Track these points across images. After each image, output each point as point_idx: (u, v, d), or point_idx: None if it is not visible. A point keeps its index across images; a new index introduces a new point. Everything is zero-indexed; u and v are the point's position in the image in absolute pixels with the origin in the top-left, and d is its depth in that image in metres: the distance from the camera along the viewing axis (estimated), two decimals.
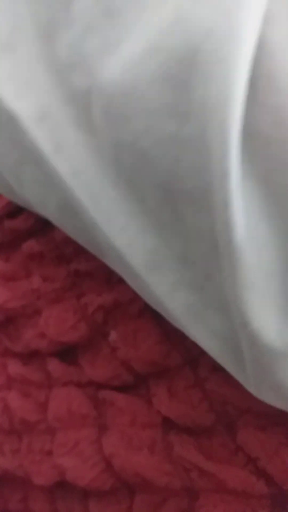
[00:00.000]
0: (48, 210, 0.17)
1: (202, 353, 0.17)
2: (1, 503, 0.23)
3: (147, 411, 0.18)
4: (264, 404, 0.15)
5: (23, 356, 0.23)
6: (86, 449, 0.18)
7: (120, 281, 0.19)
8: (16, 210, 0.21)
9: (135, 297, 0.19)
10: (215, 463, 0.16)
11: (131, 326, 0.19)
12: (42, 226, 0.21)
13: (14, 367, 0.22)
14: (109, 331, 0.19)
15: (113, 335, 0.19)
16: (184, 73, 0.12)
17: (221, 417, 0.17)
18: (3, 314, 0.22)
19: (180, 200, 0.13)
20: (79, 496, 0.19)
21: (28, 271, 0.22)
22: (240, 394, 0.16)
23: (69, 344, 0.20)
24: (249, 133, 0.12)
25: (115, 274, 0.18)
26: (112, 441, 0.18)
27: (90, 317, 0.19)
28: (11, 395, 0.21)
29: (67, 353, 0.21)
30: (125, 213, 0.14)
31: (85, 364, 0.20)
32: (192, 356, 0.18)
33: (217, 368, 0.17)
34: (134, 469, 0.17)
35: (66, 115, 0.14)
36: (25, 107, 0.14)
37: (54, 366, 0.21)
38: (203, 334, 0.15)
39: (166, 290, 0.14)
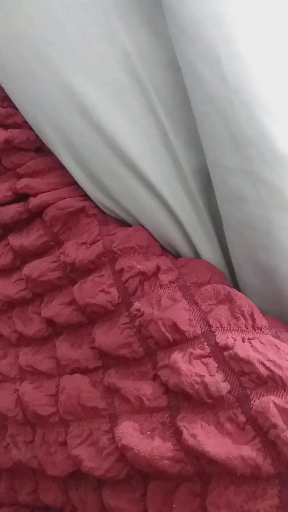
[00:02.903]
0: None
1: (220, 327, 0.19)
2: (11, 495, 0.24)
3: (152, 395, 0.19)
4: None
5: (34, 343, 0.23)
6: (100, 440, 0.19)
7: (156, 254, 0.22)
8: None
9: (167, 269, 0.21)
10: (222, 448, 0.16)
11: (157, 295, 0.20)
12: None
13: (25, 358, 0.23)
14: (133, 302, 0.20)
15: (136, 305, 0.20)
16: None
17: (235, 388, 0.17)
18: (39, 287, 0.23)
19: None
20: (92, 486, 0.20)
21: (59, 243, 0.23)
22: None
23: (94, 309, 0.21)
24: None
25: (151, 248, 0.22)
26: (124, 431, 0.18)
27: (122, 283, 0.21)
28: (23, 388, 0.22)
29: (80, 328, 0.22)
30: None
31: (99, 333, 0.21)
32: (210, 330, 0.19)
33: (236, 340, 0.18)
34: (147, 461, 0.17)
35: None
36: None
37: (63, 351, 0.22)
38: None
39: None
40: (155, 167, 0.21)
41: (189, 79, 0.19)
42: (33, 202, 0.23)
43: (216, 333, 0.18)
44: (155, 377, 0.19)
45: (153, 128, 0.21)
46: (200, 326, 0.19)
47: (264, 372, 0.17)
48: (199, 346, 0.18)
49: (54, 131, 0.22)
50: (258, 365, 0.17)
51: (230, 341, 0.18)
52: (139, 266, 0.20)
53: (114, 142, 0.21)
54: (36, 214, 0.24)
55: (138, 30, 0.20)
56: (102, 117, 0.21)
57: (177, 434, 0.17)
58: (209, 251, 0.22)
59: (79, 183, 0.23)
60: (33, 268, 0.23)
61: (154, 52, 0.20)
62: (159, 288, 0.20)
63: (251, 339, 0.18)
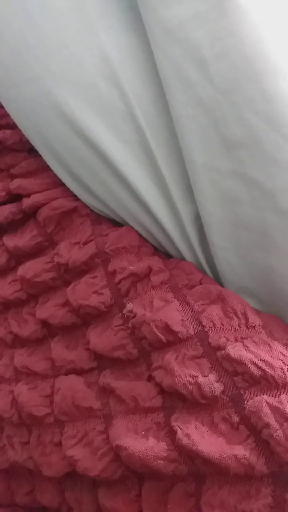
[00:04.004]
0: None
1: (213, 327, 0.19)
2: (8, 496, 0.24)
3: (147, 395, 0.19)
4: None
5: (29, 344, 0.23)
6: (95, 440, 0.19)
7: (148, 253, 0.22)
8: None
9: (159, 270, 0.21)
10: (215, 448, 0.16)
11: (149, 296, 0.20)
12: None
13: (20, 359, 0.23)
14: (126, 303, 0.20)
15: (129, 307, 0.20)
16: None
17: (228, 388, 0.17)
18: (33, 288, 0.23)
19: None
20: (88, 486, 0.20)
21: (53, 244, 0.23)
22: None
23: (88, 310, 0.21)
24: None
25: (143, 249, 0.22)
26: (118, 432, 0.18)
27: (115, 284, 0.20)
28: (19, 389, 0.22)
29: (74, 329, 0.22)
30: None
31: (93, 334, 0.21)
32: (203, 330, 0.19)
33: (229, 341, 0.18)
34: (141, 460, 0.17)
35: None
36: None
37: (58, 352, 0.22)
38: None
39: None
40: (137, 173, 0.21)
41: (174, 81, 0.19)
42: (26, 202, 0.23)
43: (209, 333, 0.18)
44: (150, 378, 0.19)
45: (133, 134, 0.20)
46: (193, 327, 0.19)
47: (256, 372, 0.17)
48: (193, 346, 0.18)
49: (38, 136, 0.22)
50: (250, 365, 0.17)
51: (222, 341, 0.18)
52: (131, 267, 0.20)
53: (96, 148, 0.21)
54: (30, 215, 0.24)
55: (117, 32, 0.20)
56: (82, 124, 0.20)
57: (171, 434, 0.17)
58: (190, 257, 0.22)
59: (68, 187, 0.23)
60: (28, 269, 0.23)
61: (134, 53, 0.20)
62: (151, 289, 0.20)
63: (244, 338, 0.18)
